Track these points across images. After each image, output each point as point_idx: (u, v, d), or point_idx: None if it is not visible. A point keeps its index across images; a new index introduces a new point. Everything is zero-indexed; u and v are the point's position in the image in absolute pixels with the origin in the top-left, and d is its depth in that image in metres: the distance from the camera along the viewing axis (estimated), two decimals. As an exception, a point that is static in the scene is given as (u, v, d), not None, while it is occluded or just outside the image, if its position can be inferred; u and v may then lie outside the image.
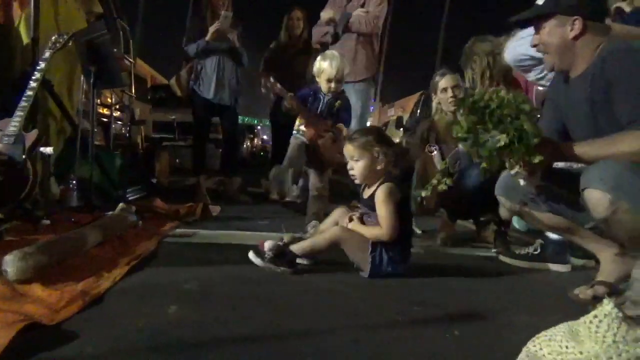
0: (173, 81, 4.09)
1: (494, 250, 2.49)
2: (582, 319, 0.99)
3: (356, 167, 1.95)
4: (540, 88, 2.59)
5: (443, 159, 3.02)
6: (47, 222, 2.24)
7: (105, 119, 4.41)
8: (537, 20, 1.75)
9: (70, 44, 2.88)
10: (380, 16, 3.85)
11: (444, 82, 3.05)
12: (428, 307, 1.54)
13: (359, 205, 2.05)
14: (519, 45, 2.47)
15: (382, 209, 1.87)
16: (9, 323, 1.14)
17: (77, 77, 3.55)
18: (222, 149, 4.56)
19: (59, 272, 1.64)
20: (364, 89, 3.94)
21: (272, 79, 2.97)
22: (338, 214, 2.06)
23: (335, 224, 2.03)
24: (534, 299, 1.76)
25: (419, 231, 3.01)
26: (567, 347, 0.97)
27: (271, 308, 1.45)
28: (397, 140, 13.47)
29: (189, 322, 1.28)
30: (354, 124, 3.45)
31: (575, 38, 1.66)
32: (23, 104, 2.55)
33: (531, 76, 2.51)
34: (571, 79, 1.74)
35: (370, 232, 1.90)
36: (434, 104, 3.37)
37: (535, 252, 2.32)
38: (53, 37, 2.81)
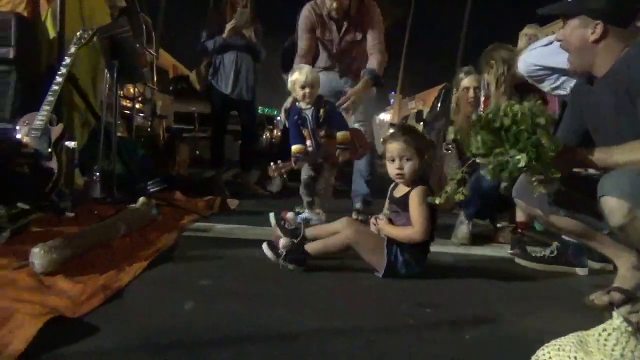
0: (193, 75, 4.16)
1: (510, 251, 2.47)
2: (591, 331, 0.99)
3: (407, 167, 1.93)
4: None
5: (460, 157, 3.02)
6: (72, 214, 2.31)
7: (127, 111, 4.49)
8: (563, 17, 1.73)
9: (94, 39, 2.93)
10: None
11: (467, 81, 3.05)
12: (440, 309, 1.55)
13: (359, 218, 2.07)
14: (529, 57, 2.47)
15: (416, 211, 1.88)
16: (34, 315, 1.20)
17: (101, 71, 3.63)
18: (240, 142, 4.61)
19: (82, 264, 1.71)
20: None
21: (279, 163, 2.90)
22: (345, 222, 2.04)
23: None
24: (548, 303, 1.76)
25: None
26: (575, 357, 0.98)
27: (284, 307, 1.48)
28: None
29: (203, 320, 1.33)
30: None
31: (596, 42, 1.63)
32: (49, 98, 2.62)
33: (546, 86, 2.50)
34: (595, 82, 1.72)
35: (402, 232, 1.91)
36: (452, 100, 3.36)
37: (552, 255, 2.30)
38: (78, 33, 2.88)
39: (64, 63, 2.75)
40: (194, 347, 1.17)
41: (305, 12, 3.31)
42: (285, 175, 2.91)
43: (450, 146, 3.08)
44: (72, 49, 2.80)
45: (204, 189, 3.95)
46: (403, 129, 2.01)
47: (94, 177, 3.20)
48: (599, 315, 1.57)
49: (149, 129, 4.89)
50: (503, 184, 1.50)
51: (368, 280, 1.86)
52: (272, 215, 2.07)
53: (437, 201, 1.67)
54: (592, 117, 1.76)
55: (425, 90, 26.63)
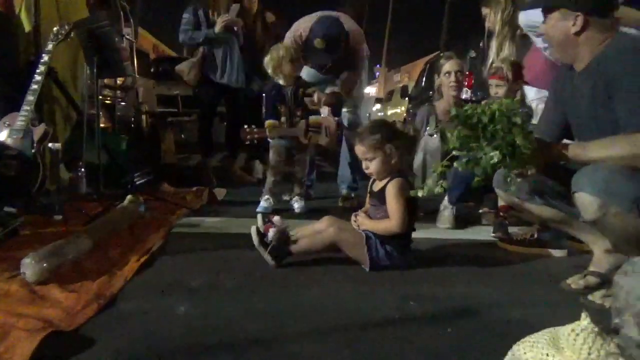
0: (183, 67, 4.12)
1: (492, 235, 2.55)
2: (562, 329, 1.05)
3: (372, 166, 2.00)
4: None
5: (443, 141, 3.07)
6: (60, 217, 2.32)
7: (109, 101, 4.43)
8: (544, 10, 1.76)
9: (72, 35, 2.88)
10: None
11: (448, 65, 3.07)
12: (424, 302, 1.62)
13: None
14: (532, 14, 2.49)
15: (393, 203, 1.93)
16: (32, 330, 1.24)
17: (81, 64, 3.58)
18: (226, 127, 4.62)
19: (74, 270, 1.74)
20: None
21: (254, 128, 3.01)
22: (327, 221, 2.09)
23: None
24: (529, 290, 1.82)
25: (420, 213, 3.08)
26: (547, 354, 1.04)
27: (273, 306, 1.53)
28: (402, 108, 13.40)
29: (199, 323, 1.37)
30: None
31: (577, 34, 1.66)
32: (29, 97, 2.60)
33: (539, 42, 2.56)
34: (575, 73, 1.75)
35: (379, 225, 1.97)
36: (435, 86, 3.38)
37: (533, 238, 2.39)
38: (55, 29, 2.83)
39: (42, 60, 2.71)
40: (193, 353, 1.21)
41: (287, 43, 3.32)
42: (255, 142, 3.00)
43: (434, 132, 3.11)
44: (50, 46, 2.76)
45: (192, 179, 3.96)
46: (365, 129, 2.06)
47: (79, 173, 3.19)
48: (575, 300, 1.66)
49: (132, 119, 4.83)
50: (476, 179, 1.54)
51: (355, 273, 1.91)
52: (253, 230, 1.97)
53: (420, 194, 1.72)
54: (571, 109, 1.80)
55: (411, 63, 26.51)
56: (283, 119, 3.05)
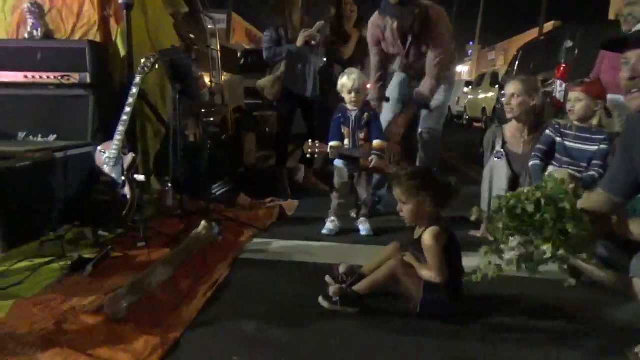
0: (264, 82, 4.31)
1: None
2: None
3: (404, 210, 2.03)
4: None
5: (510, 166, 2.95)
6: (143, 243, 2.60)
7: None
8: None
9: (157, 66, 3.14)
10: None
11: (507, 86, 2.96)
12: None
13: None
14: None
15: (429, 254, 1.94)
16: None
17: (167, 85, 3.88)
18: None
19: (148, 304, 1.97)
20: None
21: (316, 143, 3.13)
22: (391, 249, 2.15)
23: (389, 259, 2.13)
24: (595, 352, 1.73)
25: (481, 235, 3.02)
26: None
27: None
28: (490, 94, 12.63)
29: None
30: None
31: None
32: (120, 128, 2.89)
33: None
34: None
35: (422, 270, 1.97)
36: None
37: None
38: (142, 60, 3.09)
39: (131, 92, 2.99)
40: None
41: (370, 28, 3.52)
42: (315, 156, 3.13)
43: (500, 154, 3.00)
44: (138, 79, 3.02)
45: (268, 186, 4.20)
46: (405, 173, 2.06)
47: (166, 188, 3.52)
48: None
49: (216, 125, 5.11)
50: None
51: (402, 325, 1.92)
52: (320, 300, 2.02)
53: (474, 279, 1.68)
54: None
55: (507, 40, 24.69)
56: (346, 141, 3.12)
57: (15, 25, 3.67)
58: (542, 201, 1.38)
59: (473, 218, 1.93)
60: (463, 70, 27.41)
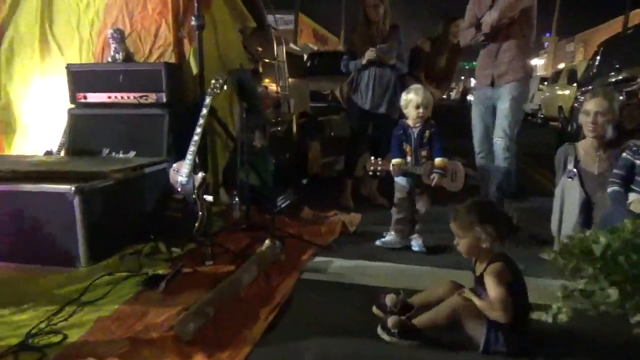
0: (338, 92, 4.45)
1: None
2: None
3: (461, 244, 2.00)
4: None
5: (582, 185, 2.79)
6: (210, 262, 2.74)
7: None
8: None
9: (225, 87, 3.28)
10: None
11: (588, 103, 2.77)
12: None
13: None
14: None
15: (492, 292, 1.88)
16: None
17: (236, 98, 4.04)
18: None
19: (215, 325, 2.09)
20: (515, 89, 3.67)
21: (379, 160, 3.16)
22: (447, 288, 2.10)
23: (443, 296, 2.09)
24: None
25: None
26: None
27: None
28: (567, 92, 11.85)
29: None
30: (505, 125, 3.54)
31: None
32: (192, 148, 3.07)
33: None
34: None
35: (486, 309, 1.91)
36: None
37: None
38: (212, 81, 3.25)
39: (201, 114, 3.15)
40: None
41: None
42: (377, 173, 3.15)
43: (572, 173, 2.84)
44: (207, 100, 3.19)
45: (333, 198, 4.29)
46: (463, 207, 2.01)
47: (233, 201, 3.68)
48: None
49: (282, 137, 5.22)
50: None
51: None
52: (379, 331, 2.04)
53: (543, 318, 1.62)
54: None
55: (588, 30, 22.90)
56: (409, 158, 3.12)
57: (100, 49, 3.99)
58: (616, 243, 1.29)
59: (546, 257, 1.85)
60: (538, 63, 25.87)
